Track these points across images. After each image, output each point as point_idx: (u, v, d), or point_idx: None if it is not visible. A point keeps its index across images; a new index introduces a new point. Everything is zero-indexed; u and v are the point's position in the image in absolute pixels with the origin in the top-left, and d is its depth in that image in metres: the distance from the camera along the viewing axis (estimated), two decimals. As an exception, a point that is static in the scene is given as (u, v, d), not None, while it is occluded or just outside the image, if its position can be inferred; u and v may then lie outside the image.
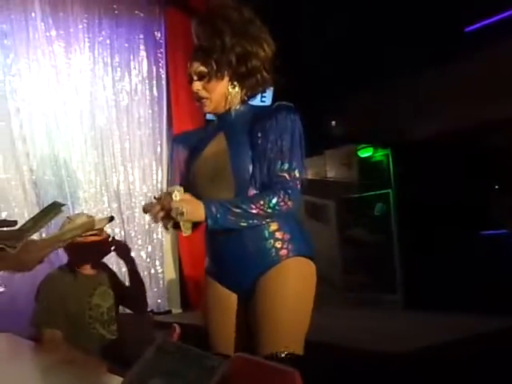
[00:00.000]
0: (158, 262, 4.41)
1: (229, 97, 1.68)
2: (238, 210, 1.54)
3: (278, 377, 0.84)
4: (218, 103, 1.69)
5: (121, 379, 1.27)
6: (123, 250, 2.60)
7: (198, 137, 1.81)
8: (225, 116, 1.71)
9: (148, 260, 4.34)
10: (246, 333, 1.66)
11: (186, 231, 1.55)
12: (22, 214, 3.74)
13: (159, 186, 4.42)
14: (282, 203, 1.56)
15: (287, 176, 1.58)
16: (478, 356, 2.73)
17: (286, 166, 1.59)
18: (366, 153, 4.95)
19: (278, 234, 1.61)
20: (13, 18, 3.96)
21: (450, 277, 4.03)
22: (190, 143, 1.81)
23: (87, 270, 2.51)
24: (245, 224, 1.56)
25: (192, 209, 1.51)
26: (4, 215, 3.75)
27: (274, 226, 1.61)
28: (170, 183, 1.89)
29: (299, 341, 1.59)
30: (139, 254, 4.25)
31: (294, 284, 1.59)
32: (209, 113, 1.75)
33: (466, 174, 4.32)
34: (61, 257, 3.79)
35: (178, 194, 1.51)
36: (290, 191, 1.57)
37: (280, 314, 1.56)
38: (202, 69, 1.66)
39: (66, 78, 4.17)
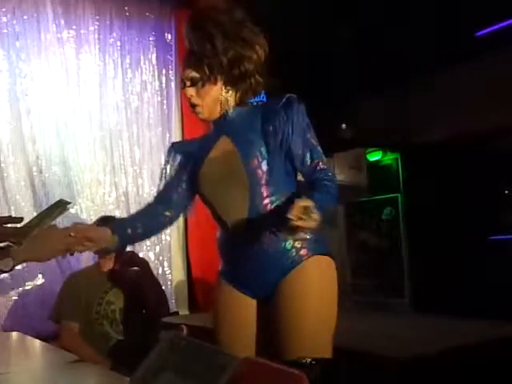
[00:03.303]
0: (166, 263, 4.41)
1: (222, 101, 1.66)
2: (333, 191, 1.57)
3: (285, 379, 0.83)
4: (211, 109, 1.67)
5: (124, 378, 1.27)
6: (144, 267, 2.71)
7: (197, 145, 1.79)
8: (222, 120, 1.69)
9: (156, 261, 4.34)
10: (262, 339, 1.63)
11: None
12: (31, 214, 3.75)
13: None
14: (334, 185, 1.60)
15: (323, 166, 1.61)
16: (487, 361, 2.71)
17: (316, 155, 1.62)
18: (375, 156, 4.94)
19: (297, 235, 1.57)
20: (25, 19, 3.99)
21: (458, 281, 4.01)
22: (190, 151, 1.78)
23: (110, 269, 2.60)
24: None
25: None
26: (13, 214, 3.77)
27: None
28: (162, 186, 1.80)
29: (327, 343, 1.55)
30: (147, 255, 4.25)
31: (317, 284, 1.56)
32: (204, 120, 1.73)
33: (475, 178, 4.29)
34: (71, 263, 3.85)
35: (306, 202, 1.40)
36: (330, 177, 1.61)
37: (306, 318, 1.52)
38: (194, 74, 1.64)
39: (77, 80, 4.19)
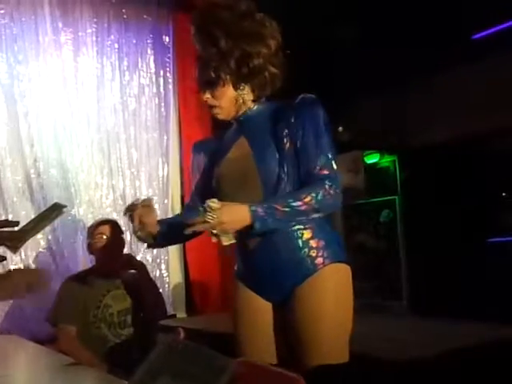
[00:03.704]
0: (163, 266, 4.40)
1: (240, 100, 1.64)
2: (286, 209, 1.48)
3: (283, 382, 0.83)
4: (229, 109, 1.65)
5: (121, 381, 1.27)
6: (141, 269, 2.71)
7: (218, 143, 1.77)
8: (242, 119, 1.67)
9: (153, 264, 4.34)
10: (278, 341, 1.62)
11: (227, 240, 1.48)
12: (29, 217, 3.75)
13: (165, 189, 4.42)
14: (328, 196, 1.51)
15: (327, 168, 1.55)
16: (485, 363, 2.71)
17: (324, 158, 1.55)
18: (372, 159, 4.94)
19: (313, 242, 1.56)
20: (23, 21, 3.99)
21: (457, 283, 4.01)
22: (211, 150, 1.77)
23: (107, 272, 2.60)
24: (293, 222, 1.51)
25: (237, 216, 1.45)
26: (10, 218, 3.76)
27: (307, 234, 1.56)
28: (192, 189, 1.84)
29: (344, 346, 1.55)
30: (145, 258, 4.24)
31: (332, 293, 1.54)
32: (223, 120, 1.70)
33: (473, 180, 4.30)
34: (69, 266, 3.84)
35: (215, 203, 1.44)
36: (333, 183, 1.53)
37: (322, 326, 1.52)
38: (205, 78, 1.62)
39: (74, 82, 4.18)
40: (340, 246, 1.63)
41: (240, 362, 0.90)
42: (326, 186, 1.52)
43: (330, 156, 1.56)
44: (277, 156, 1.57)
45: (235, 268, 1.73)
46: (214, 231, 1.46)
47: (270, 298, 1.62)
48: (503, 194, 4.40)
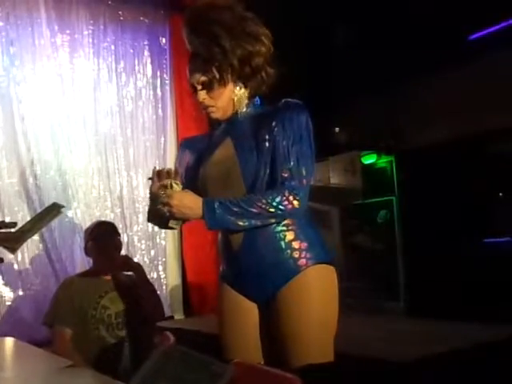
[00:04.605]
0: (161, 268, 4.41)
1: (235, 100, 1.63)
2: (237, 209, 1.49)
3: (279, 383, 0.83)
4: (225, 109, 1.65)
5: (118, 383, 1.27)
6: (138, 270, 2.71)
7: (205, 142, 1.78)
8: (232, 120, 1.67)
9: (151, 265, 4.34)
10: (264, 342, 1.63)
11: (173, 224, 1.53)
12: (26, 219, 3.74)
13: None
14: (286, 202, 1.50)
15: (292, 174, 1.52)
16: (481, 364, 2.71)
17: (291, 163, 1.53)
18: (369, 159, 4.94)
19: (295, 244, 1.56)
20: (19, 24, 3.98)
21: (454, 284, 4.01)
22: (198, 148, 1.77)
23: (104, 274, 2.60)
24: (245, 224, 1.50)
25: (188, 203, 1.49)
26: (7, 220, 3.76)
27: (290, 236, 1.57)
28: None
29: (328, 348, 1.56)
30: (142, 259, 4.25)
31: (315, 293, 1.55)
32: (217, 119, 1.69)
33: (471, 181, 4.30)
34: (66, 268, 3.84)
35: (176, 186, 1.50)
36: (294, 190, 1.51)
37: (305, 326, 1.52)
38: (204, 78, 1.60)
39: (71, 84, 4.18)
40: (323, 247, 1.63)
41: (237, 364, 0.90)
42: (286, 192, 1.50)
43: (300, 163, 1.53)
44: (257, 159, 1.57)
45: (220, 269, 1.74)
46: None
47: (254, 298, 1.63)
48: (500, 194, 4.41)
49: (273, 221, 1.54)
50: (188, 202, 1.50)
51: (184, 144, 1.90)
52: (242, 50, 1.58)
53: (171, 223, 1.54)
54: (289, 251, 1.56)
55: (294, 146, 1.54)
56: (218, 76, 1.59)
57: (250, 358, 1.58)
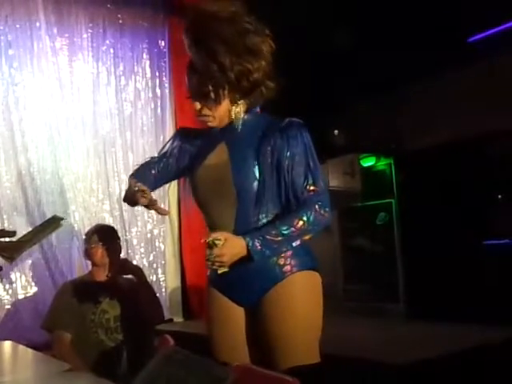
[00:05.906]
0: (160, 271, 4.40)
1: (233, 112, 1.63)
2: (280, 238, 1.53)
3: (278, 386, 0.83)
4: (222, 118, 1.64)
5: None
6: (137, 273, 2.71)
7: (202, 139, 1.77)
8: (228, 127, 1.66)
9: (150, 268, 4.33)
10: (251, 345, 1.66)
11: (222, 270, 1.54)
12: (24, 224, 3.74)
13: (161, 194, 4.42)
14: (320, 217, 1.56)
15: (316, 189, 1.58)
16: (480, 367, 2.71)
17: (311, 180, 1.59)
18: (368, 162, 4.94)
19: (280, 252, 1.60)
20: (18, 27, 3.98)
21: (453, 286, 4.01)
22: (195, 144, 1.78)
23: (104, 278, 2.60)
24: (288, 247, 1.57)
25: (235, 251, 1.51)
26: (6, 224, 3.75)
27: None
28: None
29: (313, 350, 1.59)
30: (141, 262, 4.24)
31: (300, 297, 1.58)
32: (212, 127, 1.69)
33: (470, 183, 4.30)
34: (64, 271, 3.83)
35: (219, 241, 1.49)
36: (322, 202, 1.57)
37: (291, 331, 1.56)
38: (201, 90, 1.59)
39: (70, 87, 4.18)
40: (309, 254, 1.66)
41: (237, 367, 0.90)
42: (317, 207, 1.56)
43: (317, 176, 1.60)
44: (255, 171, 1.59)
45: (208, 274, 1.76)
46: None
47: (241, 303, 1.66)
48: (499, 197, 4.41)
49: (307, 237, 1.59)
50: (234, 250, 1.51)
51: (181, 133, 1.90)
52: (241, 66, 1.56)
53: (220, 269, 1.54)
54: (275, 258, 1.59)
55: (310, 161, 1.60)
56: (213, 94, 1.58)
57: (237, 361, 1.60)
